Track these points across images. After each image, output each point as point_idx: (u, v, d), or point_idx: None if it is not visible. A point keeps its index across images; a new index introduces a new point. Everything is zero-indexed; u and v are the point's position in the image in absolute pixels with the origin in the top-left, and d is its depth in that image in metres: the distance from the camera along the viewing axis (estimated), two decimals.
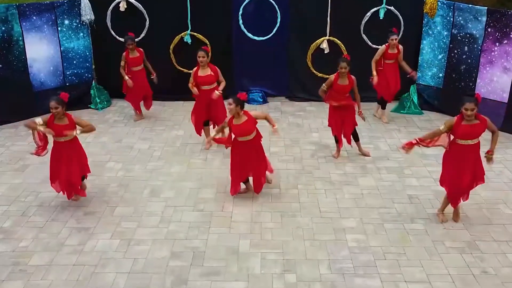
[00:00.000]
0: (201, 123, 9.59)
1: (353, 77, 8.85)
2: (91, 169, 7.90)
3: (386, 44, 10.41)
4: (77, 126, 7.35)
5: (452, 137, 6.97)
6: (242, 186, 8.10)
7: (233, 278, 6.29)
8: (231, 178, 7.95)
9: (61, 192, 7.58)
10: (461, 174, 7.00)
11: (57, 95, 7.25)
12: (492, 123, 6.94)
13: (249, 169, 7.81)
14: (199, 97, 9.38)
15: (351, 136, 9.27)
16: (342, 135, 9.28)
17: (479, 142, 6.97)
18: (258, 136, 7.75)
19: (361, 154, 9.45)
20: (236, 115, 7.48)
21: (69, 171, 7.40)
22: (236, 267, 6.49)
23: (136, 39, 10.62)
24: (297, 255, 6.72)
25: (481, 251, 6.79)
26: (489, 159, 7.08)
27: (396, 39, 10.38)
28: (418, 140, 7.12)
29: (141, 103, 11.09)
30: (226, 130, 7.90)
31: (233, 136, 7.69)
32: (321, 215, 7.63)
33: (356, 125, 9.25)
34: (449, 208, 7.44)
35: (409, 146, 7.19)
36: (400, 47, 10.51)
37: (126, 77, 10.41)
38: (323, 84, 9.04)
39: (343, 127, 9.16)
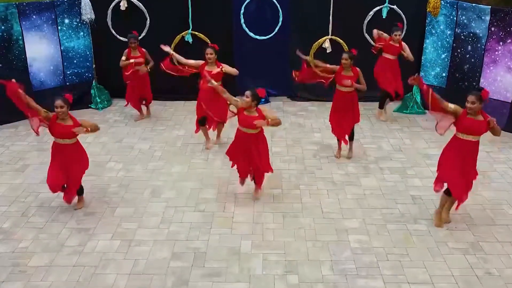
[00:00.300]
0: (198, 117, 9.60)
1: (357, 69, 8.87)
2: (92, 170, 7.87)
3: (389, 37, 10.51)
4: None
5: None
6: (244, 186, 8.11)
7: (234, 279, 6.29)
8: (236, 167, 7.93)
9: (58, 192, 7.55)
10: (460, 168, 7.00)
11: (61, 95, 7.20)
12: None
13: (249, 160, 7.67)
14: (201, 93, 9.42)
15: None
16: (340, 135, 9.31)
17: (478, 143, 6.95)
18: (262, 131, 7.65)
19: (347, 154, 9.43)
20: (248, 108, 7.42)
21: (68, 176, 7.37)
22: (237, 268, 6.49)
23: None
24: (299, 256, 6.72)
25: (485, 252, 6.78)
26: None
27: (399, 35, 10.48)
28: (432, 92, 6.87)
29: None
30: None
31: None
32: (323, 215, 7.64)
33: (357, 122, 9.29)
34: (452, 209, 7.45)
35: (420, 83, 7.00)
36: (403, 43, 10.57)
37: (131, 60, 10.40)
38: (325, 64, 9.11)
39: (343, 126, 9.17)
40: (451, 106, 6.87)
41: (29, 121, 7.30)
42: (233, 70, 9.35)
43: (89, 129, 7.20)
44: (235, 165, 7.91)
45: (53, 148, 7.37)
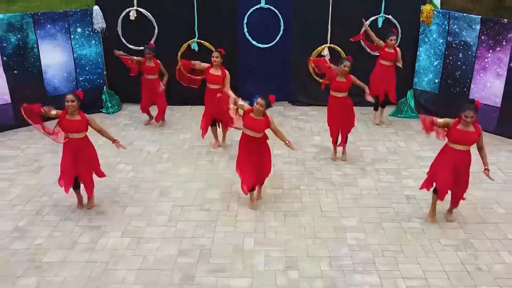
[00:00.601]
0: (208, 124, 9.64)
1: (351, 75, 8.88)
2: (103, 171, 7.82)
3: (385, 43, 10.53)
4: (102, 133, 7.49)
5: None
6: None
7: (238, 274, 6.33)
8: (240, 175, 7.73)
9: (69, 190, 7.51)
10: (449, 173, 7.03)
11: (72, 91, 7.25)
12: (482, 138, 6.92)
13: (254, 165, 7.55)
14: (206, 96, 9.51)
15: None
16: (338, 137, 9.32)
17: (470, 152, 6.98)
18: (265, 136, 7.59)
19: (341, 157, 9.44)
20: (257, 112, 7.31)
21: (80, 169, 7.40)
22: (241, 264, 6.52)
23: None
24: (299, 252, 6.74)
25: (475, 249, 6.81)
26: (487, 175, 7.05)
27: (394, 40, 10.52)
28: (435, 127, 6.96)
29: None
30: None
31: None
32: (322, 214, 7.66)
33: (352, 126, 9.31)
34: (440, 209, 7.51)
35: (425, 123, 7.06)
36: (398, 49, 10.59)
37: (121, 52, 10.46)
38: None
39: (341, 128, 9.18)
40: (440, 120, 6.92)
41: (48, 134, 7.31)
42: (230, 94, 9.29)
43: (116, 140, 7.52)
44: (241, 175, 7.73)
45: (64, 143, 7.36)
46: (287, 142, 7.54)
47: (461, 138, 6.82)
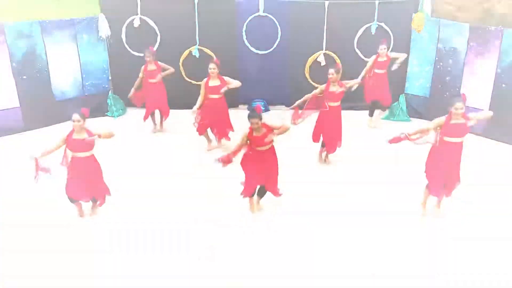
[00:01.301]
0: (204, 128, 9.75)
1: (342, 82, 8.88)
2: (104, 172, 7.80)
3: (376, 54, 10.52)
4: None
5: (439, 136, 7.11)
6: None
7: (239, 265, 6.48)
8: (245, 182, 7.59)
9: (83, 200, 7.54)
10: (443, 167, 7.14)
11: (79, 110, 7.02)
12: (476, 117, 7.03)
13: (262, 176, 7.47)
14: (206, 104, 9.50)
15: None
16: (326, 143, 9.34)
17: (462, 143, 7.07)
18: (273, 148, 7.44)
19: (324, 159, 9.52)
20: (257, 129, 7.11)
21: (90, 185, 7.31)
22: (240, 257, 6.66)
23: None
24: (295, 247, 6.86)
25: None
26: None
27: (384, 49, 10.52)
28: (406, 134, 7.14)
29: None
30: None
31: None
32: (319, 212, 7.73)
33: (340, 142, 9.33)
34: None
35: (395, 141, 7.29)
36: (390, 55, 10.64)
37: (131, 93, 10.48)
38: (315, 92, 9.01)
39: (331, 135, 9.18)
40: (430, 125, 7.02)
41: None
42: (235, 83, 9.41)
43: (101, 134, 7.08)
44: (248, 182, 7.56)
45: (71, 162, 7.14)
46: (274, 132, 7.20)
47: (456, 131, 6.94)
